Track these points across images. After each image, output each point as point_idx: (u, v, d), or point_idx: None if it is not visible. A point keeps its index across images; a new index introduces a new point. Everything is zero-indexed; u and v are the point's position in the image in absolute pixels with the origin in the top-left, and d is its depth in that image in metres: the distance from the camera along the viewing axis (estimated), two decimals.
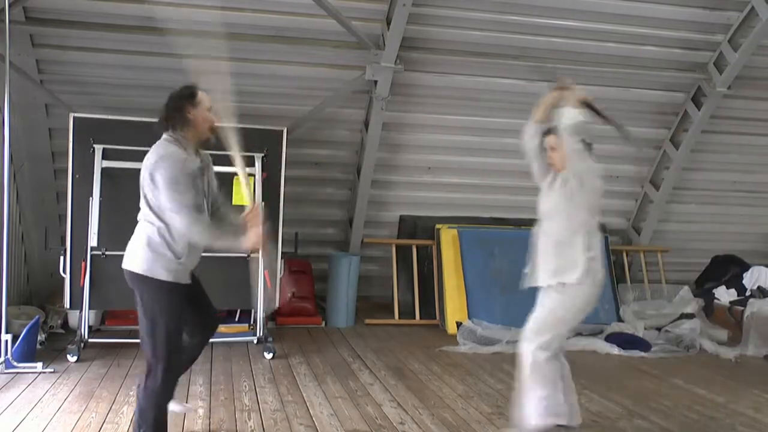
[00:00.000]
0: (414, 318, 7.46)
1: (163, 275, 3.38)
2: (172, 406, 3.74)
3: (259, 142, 6.07)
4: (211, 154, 3.74)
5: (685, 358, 6.40)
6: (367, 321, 7.35)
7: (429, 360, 5.93)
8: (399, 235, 8.11)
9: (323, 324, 7.22)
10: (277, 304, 6.37)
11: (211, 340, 6.07)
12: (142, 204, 3.45)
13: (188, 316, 3.63)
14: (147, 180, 3.37)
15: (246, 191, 3.86)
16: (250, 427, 4.16)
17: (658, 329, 7.08)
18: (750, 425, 4.57)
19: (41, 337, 5.74)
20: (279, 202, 6.28)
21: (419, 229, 7.79)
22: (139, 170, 3.46)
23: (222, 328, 6.51)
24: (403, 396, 4.86)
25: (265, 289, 6.04)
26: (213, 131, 3.54)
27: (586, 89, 7.49)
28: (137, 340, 5.58)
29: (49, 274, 6.75)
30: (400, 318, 7.44)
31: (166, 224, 3.37)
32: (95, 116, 5.96)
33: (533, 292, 4.09)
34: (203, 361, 5.56)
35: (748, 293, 7.87)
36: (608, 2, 6.73)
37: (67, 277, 5.83)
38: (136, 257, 3.42)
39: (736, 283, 8.13)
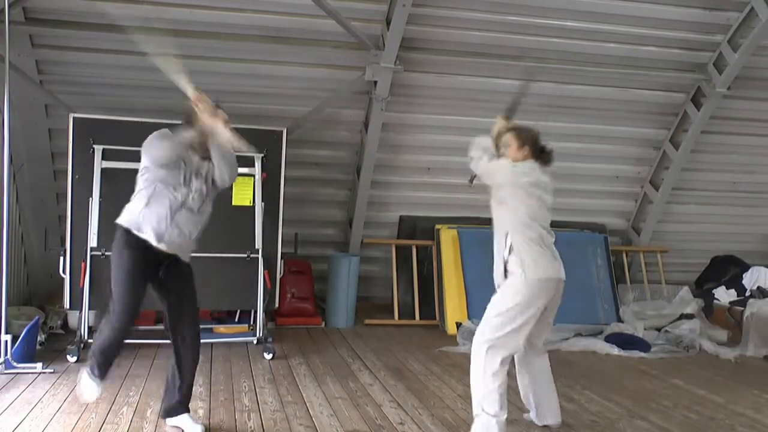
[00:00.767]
0: (414, 318, 7.46)
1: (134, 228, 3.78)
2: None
3: (259, 142, 6.05)
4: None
5: (685, 359, 6.40)
6: (367, 321, 7.36)
7: (429, 360, 5.94)
8: (399, 235, 8.11)
9: (323, 324, 7.22)
10: None
11: (210, 340, 6.12)
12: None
13: (164, 306, 3.98)
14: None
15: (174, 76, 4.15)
16: (250, 427, 4.16)
17: (658, 330, 7.08)
18: (750, 425, 4.57)
19: (41, 337, 5.73)
20: (279, 203, 6.29)
21: (419, 230, 7.79)
22: (138, 170, 3.54)
23: (222, 328, 6.56)
24: (403, 396, 4.87)
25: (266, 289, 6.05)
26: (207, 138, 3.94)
27: (585, 89, 7.58)
28: (137, 341, 5.63)
29: (49, 274, 6.75)
30: (399, 318, 7.45)
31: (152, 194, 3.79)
32: (95, 117, 5.96)
33: None
34: (203, 362, 5.54)
35: (747, 293, 7.88)
36: (608, 3, 6.73)
37: (66, 277, 5.83)
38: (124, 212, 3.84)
39: (735, 283, 8.13)
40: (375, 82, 6.82)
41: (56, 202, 6.94)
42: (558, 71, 7.24)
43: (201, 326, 6.64)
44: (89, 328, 5.82)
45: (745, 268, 8.31)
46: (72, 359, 5.39)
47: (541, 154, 4.23)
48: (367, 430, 4.18)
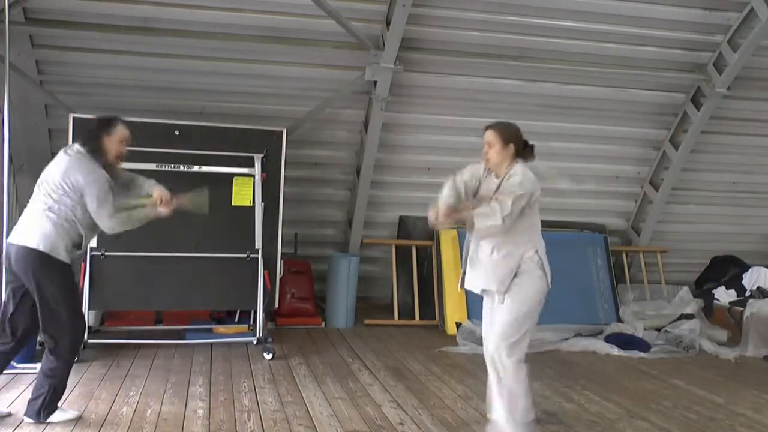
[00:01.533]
0: (413, 318, 7.46)
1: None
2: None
3: (259, 142, 6.07)
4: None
5: (685, 359, 6.40)
6: (367, 321, 7.35)
7: (428, 360, 5.93)
8: (398, 235, 8.11)
9: (323, 324, 7.21)
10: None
11: (210, 340, 6.12)
12: (44, 198, 3.95)
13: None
14: (58, 182, 3.91)
15: None
16: (250, 427, 4.16)
17: (658, 330, 7.08)
18: (749, 426, 4.57)
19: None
20: (279, 203, 6.29)
21: (419, 230, 7.78)
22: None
23: (222, 328, 6.56)
24: (403, 396, 4.86)
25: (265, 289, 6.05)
26: (119, 160, 4.13)
27: (585, 90, 7.57)
28: (137, 341, 5.63)
29: None
30: (399, 318, 7.44)
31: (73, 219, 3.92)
32: (95, 117, 5.95)
33: None
34: (203, 362, 5.57)
35: (747, 294, 7.88)
36: (608, 3, 6.73)
37: None
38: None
39: (735, 283, 8.14)
40: (375, 82, 6.82)
41: None
42: (558, 71, 7.24)
43: (201, 326, 6.70)
44: (89, 328, 5.82)
45: (745, 268, 8.31)
46: None
47: (524, 149, 4.07)
48: (366, 431, 4.18)
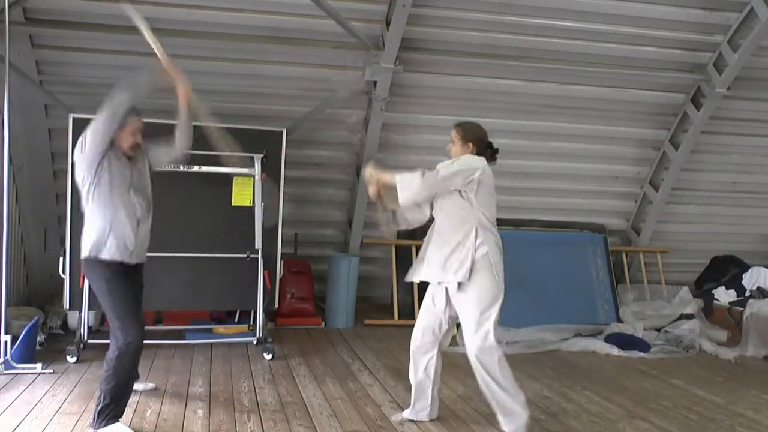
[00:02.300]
0: (414, 319, 7.31)
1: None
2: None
3: (259, 142, 6.06)
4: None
5: (685, 359, 6.40)
6: (367, 322, 7.35)
7: None
8: (398, 235, 8.10)
9: (323, 325, 7.21)
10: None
11: (210, 340, 6.11)
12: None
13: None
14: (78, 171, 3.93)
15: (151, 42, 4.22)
16: (250, 428, 4.16)
17: (658, 330, 7.08)
18: (749, 426, 4.57)
19: (41, 338, 5.73)
20: (278, 203, 6.29)
21: (419, 230, 7.74)
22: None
23: (221, 328, 6.56)
24: (403, 397, 4.86)
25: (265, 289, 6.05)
26: (133, 150, 4.09)
27: (584, 90, 7.58)
28: None
29: (49, 275, 6.74)
30: (399, 319, 7.44)
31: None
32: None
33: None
34: (203, 362, 5.57)
35: (747, 294, 7.89)
36: (607, 3, 6.73)
37: (66, 278, 5.82)
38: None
39: (735, 283, 8.14)
40: (375, 83, 6.82)
41: (56, 202, 6.93)
42: (558, 71, 7.24)
43: (201, 326, 6.70)
44: (89, 328, 5.83)
45: (745, 268, 8.31)
46: (71, 360, 5.40)
47: (486, 151, 4.15)
48: (366, 431, 4.18)
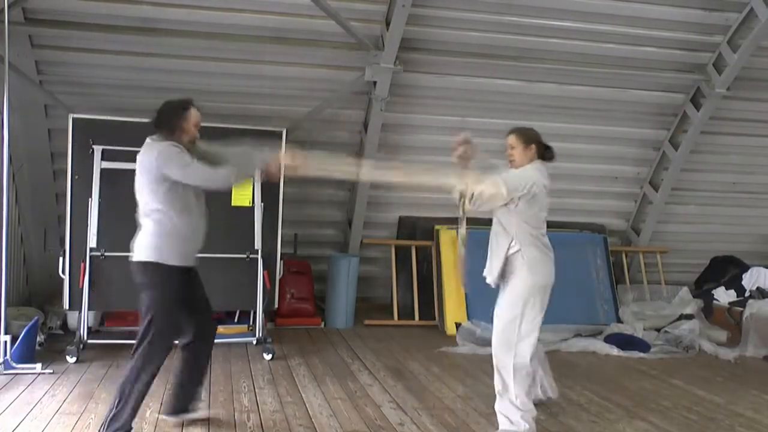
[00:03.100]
0: (413, 319, 7.46)
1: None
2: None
3: (259, 142, 6.05)
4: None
5: (685, 359, 6.40)
6: (367, 322, 7.35)
7: (428, 361, 5.93)
8: (398, 236, 8.11)
9: (322, 325, 7.21)
10: None
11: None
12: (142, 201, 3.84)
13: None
14: (151, 175, 3.75)
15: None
16: (250, 427, 4.16)
17: (658, 330, 7.08)
18: (749, 426, 4.57)
19: (40, 338, 5.73)
20: (278, 203, 6.29)
21: (418, 230, 7.79)
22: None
23: (221, 328, 6.53)
24: (403, 397, 4.86)
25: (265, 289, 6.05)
26: (192, 143, 3.91)
27: (584, 90, 7.59)
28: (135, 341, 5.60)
29: (49, 275, 6.74)
30: (399, 319, 7.44)
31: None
32: (94, 117, 5.96)
33: None
34: None
35: (747, 294, 7.89)
36: (607, 3, 6.73)
37: (66, 278, 5.82)
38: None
39: (735, 284, 8.14)
40: (374, 83, 6.82)
41: (56, 202, 6.93)
42: (557, 71, 7.24)
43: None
44: (89, 328, 5.82)
45: (745, 268, 8.31)
46: (71, 360, 5.39)
47: (545, 152, 4.37)
48: (366, 431, 4.18)
